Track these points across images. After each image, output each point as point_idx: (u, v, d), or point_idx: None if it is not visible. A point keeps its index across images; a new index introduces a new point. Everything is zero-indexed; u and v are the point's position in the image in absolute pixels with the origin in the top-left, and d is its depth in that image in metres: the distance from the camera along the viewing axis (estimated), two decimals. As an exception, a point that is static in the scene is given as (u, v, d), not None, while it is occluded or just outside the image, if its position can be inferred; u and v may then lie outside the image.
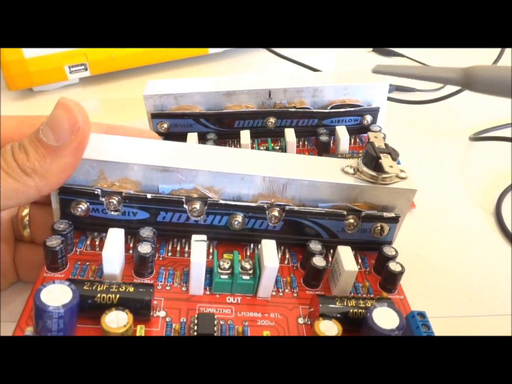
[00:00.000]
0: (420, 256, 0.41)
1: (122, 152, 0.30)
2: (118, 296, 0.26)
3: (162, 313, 0.28)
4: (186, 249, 0.33)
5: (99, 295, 0.26)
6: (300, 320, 0.29)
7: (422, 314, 0.29)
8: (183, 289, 0.30)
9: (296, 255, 0.34)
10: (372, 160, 0.32)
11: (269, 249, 0.30)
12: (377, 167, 0.32)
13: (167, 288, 0.30)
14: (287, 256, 0.34)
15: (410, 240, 0.41)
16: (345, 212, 0.32)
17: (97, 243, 0.32)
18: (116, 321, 0.25)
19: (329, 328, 0.26)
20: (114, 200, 0.30)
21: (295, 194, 0.32)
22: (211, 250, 0.33)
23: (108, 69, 0.63)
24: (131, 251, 0.32)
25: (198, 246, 0.29)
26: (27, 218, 0.32)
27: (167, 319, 0.28)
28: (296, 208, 0.32)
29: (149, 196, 0.30)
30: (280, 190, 0.32)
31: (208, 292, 0.30)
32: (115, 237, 0.29)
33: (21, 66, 0.57)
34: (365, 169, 0.32)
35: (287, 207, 0.32)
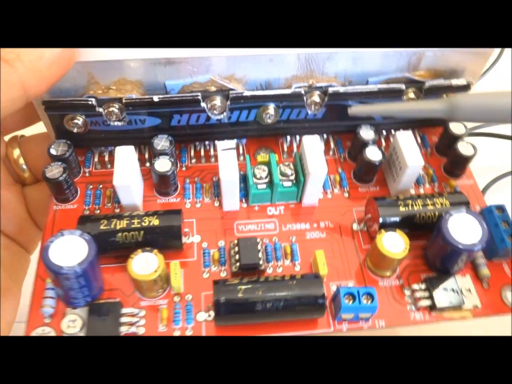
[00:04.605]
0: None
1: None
2: (142, 233, 0.22)
3: (196, 238, 0.24)
4: (212, 152, 0.27)
5: (120, 234, 0.22)
6: (355, 226, 0.25)
7: (501, 208, 0.24)
8: (216, 204, 0.25)
9: (342, 142, 0.28)
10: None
11: (313, 149, 0.24)
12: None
13: (197, 205, 0.25)
14: (331, 145, 0.28)
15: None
16: (403, 86, 0.25)
17: (106, 158, 0.27)
18: (145, 266, 0.21)
19: (394, 243, 0.22)
20: (115, 108, 0.24)
21: (339, 70, 0.25)
22: (240, 151, 0.27)
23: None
24: (147, 164, 0.27)
25: (227, 157, 0.24)
26: (21, 159, 0.27)
27: (203, 245, 0.24)
28: (342, 89, 0.25)
29: (156, 98, 0.24)
30: (320, 68, 0.24)
31: (245, 205, 0.26)
32: (125, 158, 0.24)
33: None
34: (431, 25, 0.24)
35: (330, 88, 0.25)
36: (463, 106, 0.21)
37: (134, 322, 0.21)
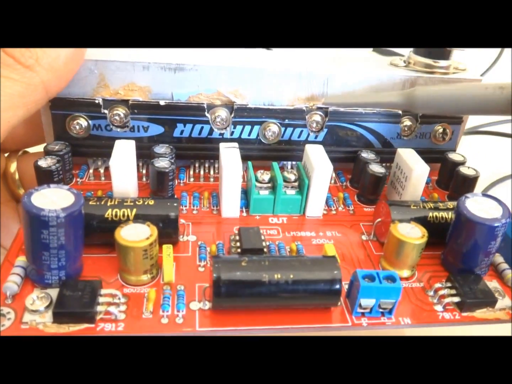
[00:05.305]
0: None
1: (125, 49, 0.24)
2: (134, 210, 0.20)
3: (192, 238, 0.22)
4: (212, 173, 0.27)
5: (109, 210, 0.20)
6: (364, 237, 0.23)
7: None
8: (214, 212, 0.24)
9: (344, 173, 0.28)
10: (427, 46, 0.26)
11: (316, 152, 0.24)
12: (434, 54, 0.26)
13: (194, 212, 0.24)
14: (333, 175, 0.28)
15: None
16: (400, 112, 0.27)
17: (102, 171, 0.26)
18: (136, 234, 0.19)
19: (410, 231, 0.20)
20: (120, 111, 0.24)
21: (338, 93, 0.26)
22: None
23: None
24: (144, 179, 0.26)
25: (230, 153, 0.23)
26: (16, 175, 0.26)
27: (199, 243, 0.22)
28: (342, 108, 0.26)
29: (162, 102, 0.24)
30: (320, 89, 0.26)
31: (245, 214, 0.24)
32: (125, 148, 0.23)
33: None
34: (418, 58, 0.27)
35: (330, 108, 0.26)
36: (421, 99, 0.22)
37: (114, 303, 0.18)
